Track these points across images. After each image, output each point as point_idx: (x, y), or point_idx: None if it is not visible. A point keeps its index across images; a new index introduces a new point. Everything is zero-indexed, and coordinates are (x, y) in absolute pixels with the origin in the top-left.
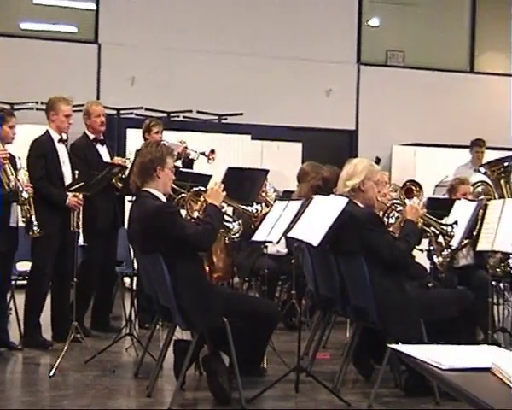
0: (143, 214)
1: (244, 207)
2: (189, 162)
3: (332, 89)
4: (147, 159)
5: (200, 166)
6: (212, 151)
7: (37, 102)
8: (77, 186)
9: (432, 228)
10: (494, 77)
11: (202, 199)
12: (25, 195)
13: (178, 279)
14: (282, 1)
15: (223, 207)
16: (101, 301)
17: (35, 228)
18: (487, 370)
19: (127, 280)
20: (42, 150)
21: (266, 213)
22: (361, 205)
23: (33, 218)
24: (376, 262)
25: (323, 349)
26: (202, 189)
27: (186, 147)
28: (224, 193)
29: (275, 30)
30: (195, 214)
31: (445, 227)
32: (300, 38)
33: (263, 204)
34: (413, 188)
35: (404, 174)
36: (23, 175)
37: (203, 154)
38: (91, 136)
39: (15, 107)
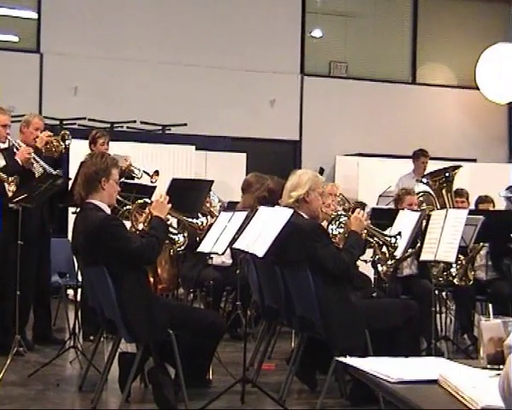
0: (88, 227)
1: (189, 219)
2: (130, 177)
3: (276, 99)
4: (91, 170)
5: (143, 178)
6: (157, 172)
7: None
8: (20, 198)
9: (376, 239)
10: (435, 88)
11: (147, 211)
12: None
13: (123, 292)
14: (227, 11)
15: (168, 219)
16: (40, 313)
17: None
18: (435, 382)
19: (71, 292)
20: None
21: (211, 225)
22: (306, 216)
23: None
24: (321, 273)
25: (269, 360)
26: (147, 201)
27: (130, 164)
28: (169, 205)
29: (219, 40)
30: (140, 226)
31: (388, 238)
32: (245, 49)
33: (208, 216)
34: (358, 208)
35: (348, 184)
36: None
37: (147, 173)
38: None
39: None
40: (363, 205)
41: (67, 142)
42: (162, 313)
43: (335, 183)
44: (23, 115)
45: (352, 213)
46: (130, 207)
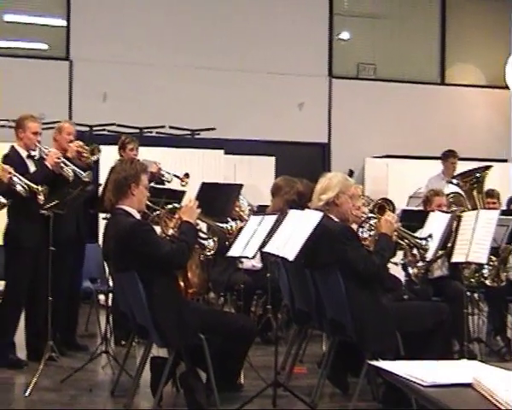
0: (118, 233)
1: (219, 224)
2: (160, 181)
3: (304, 102)
4: (121, 176)
5: (174, 182)
6: (186, 175)
7: (8, 120)
8: (51, 204)
9: (406, 241)
10: (464, 88)
11: (177, 216)
12: (3, 200)
13: (154, 297)
14: (255, 15)
15: (197, 224)
16: (68, 319)
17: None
18: (469, 385)
19: (102, 297)
20: (10, 164)
21: (241, 228)
22: (335, 219)
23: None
24: (352, 276)
25: (300, 363)
26: (177, 206)
27: (160, 168)
28: (199, 210)
29: (247, 44)
30: (170, 232)
31: (419, 240)
32: (273, 52)
33: (237, 220)
34: (385, 205)
35: (378, 186)
36: None
37: (177, 176)
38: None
39: None
40: (387, 201)
41: (96, 156)
42: (193, 318)
43: (358, 184)
44: (53, 122)
45: (378, 209)
46: (159, 212)
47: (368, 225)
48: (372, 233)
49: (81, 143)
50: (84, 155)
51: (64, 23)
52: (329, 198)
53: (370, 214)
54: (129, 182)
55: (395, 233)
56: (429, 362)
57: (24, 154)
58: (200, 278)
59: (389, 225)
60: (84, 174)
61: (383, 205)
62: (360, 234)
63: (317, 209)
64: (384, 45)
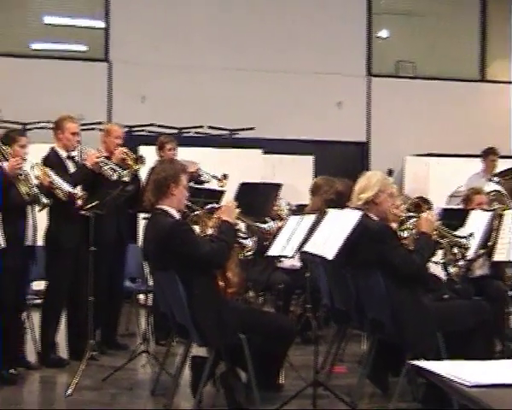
0: (158, 232)
1: (258, 224)
2: (199, 181)
3: (343, 101)
4: (161, 176)
5: (212, 182)
6: (225, 176)
7: (49, 122)
8: (91, 205)
9: (446, 239)
10: (505, 85)
11: (216, 216)
12: (44, 200)
13: (194, 296)
14: (292, 15)
15: (236, 224)
16: (109, 319)
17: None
18: None
19: (142, 297)
20: (49, 165)
21: (280, 228)
22: (375, 218)
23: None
24: (392, 275)
25: (340, 363)
26: (216, 206)
27: (199, 168)
28: (238, 210)
29: (285, 44)
30: (209, 231)
31: (459, 239)
32: (311, 52)
33: (276, 220)
34: (421, 204)
35: (418, 185)
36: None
37: (215, 177)
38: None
39: (28, 127)
40: (424, 199)
41: (139, 166)
42: (233, 317)
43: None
44: (92, 123)
45: (415, 207)
46: (199, 212)
47: (407, 224)
48: (412, 232)
49: (127, 149)
50: (129, 162)
51: (103, 25)
52: (369, 197)
53: (409, 213)
54: (168, 182)
55: (435, 232)
56: (472, 362)
57: (63, 154)
58: (240, 278)
59: (429, 223)
60: (123, 173)
61: (419, 203)
62: (400, 233)
63: (356, 208)
64: (423, 43)
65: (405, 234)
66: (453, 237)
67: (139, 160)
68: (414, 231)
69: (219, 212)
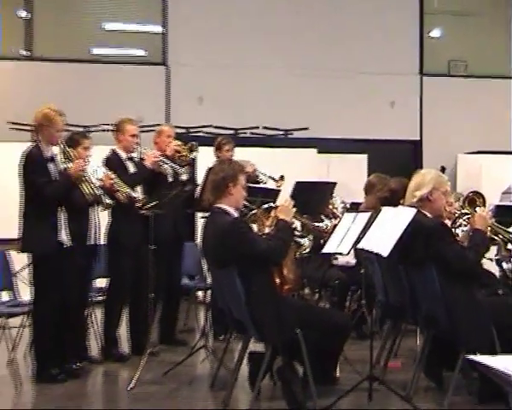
0: (217, 230)
1: (314, 223)
2: (256, 181)
3: (396, 100)
4: (219, 176)
5: (269, 182)
6: (282, 177)
7: (109, 124)
8: (151, 205)
9: (500, 236)
10: None
11: (273, 215)
12: (108, 201)
13: (252, 293)
14: (345, 16)
15: (293, 223)
16: (168, 315)
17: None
18: None
19: (200, 294)
20: (110, 166)
21: (335, 226)
22: (429, 215)
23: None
24: (446, 271)
25: (395, 358)
26: (272, 205)
27: (255, 169)
28: (295, 209)
29: (338, 45)
30: (267, 230)
31: None
32: (364, 52)
33: (332, 219)
34: (476, 199)
35: (470, 182)
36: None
37: (272, 178)
38: (123, 154)
39: (90, 129)
40: (479, 195)
41: (194, 153)
42: (290, 313)
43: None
44: (151, 125)
45: (469, 202)
46: (256, 211)
47: (461, 220)
48: (466, 229)
49: (179, 142)
50: (183, 153)
51: (161, 30)
52: (423, 194)
53: (464, 210)
54: (227, 182)
55: (489, 228)
56: None
57: (124, 156)
58: (295, 275)
59: (483, 220)
60: (181, 170)
61: (474, 198)
62: (454, 230)
63: (410, 206)
64: (475, 42)
65: (459, 231)
66: (507, 233)
67: (192, 148)
68: (468, 227)
69: (276, 211)
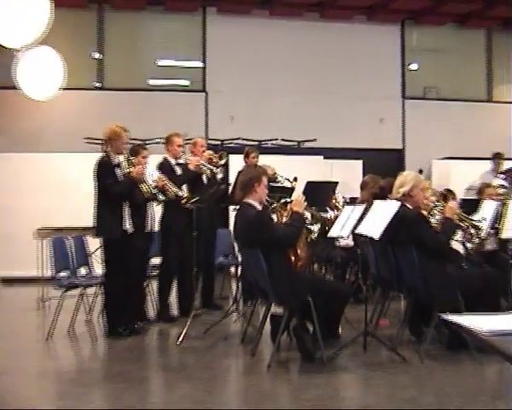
0: (245, 220)
1: (321, 213)
2: (275, 182)
3: (384, 118)
4: (247, 177)
5: (285, 182)
6: (295, 179)
7: (161, 138)
8: (193, 200)
9: (465, 223)
10: (507, 104)
11: (289, 208)
12: (161, 197)
13: (273, 268)
14: (343, 53)
15: (304, 214)
16: (207, 285)
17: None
18: None
19: (232, 269)
20: (163, 170)
21: (337, 216)
22: (410, 207)
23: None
24: (423, 251)
25: (384, 317)
26: (288, 200)
27: (275, 172)
28: (306, 203)
29: (338, 75)
30: (284, 219)
31: (475, 222)
32: (359, 80)
33: (335, 211)
34: (448, 194)
35: (442, 181)
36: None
37: (288, 180)
38: (172, 160)
39: (147, 142)
40: (450, 192)
41: (224, 160)
42: (302, 284)
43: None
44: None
45: (443, 199)
46: (275, 205)
47: (435, 210)
48: (438, 217)
49: (211, 151)
50: (214, 160)
51: (201, 64)
52: (405, 191)
53: (437, 203)
54: (253, 182)
55: (456, 217)
56: (486, 315)
57: (173, 162)
58: (307, 254)
59: (452, 210)
60: (217, 170)
61: (446, 194)
62: (429, 218)
63: (396, 199)
64: (444, 73)
65: (433, 220)
66: (470, 220)
67: (222, 155)
68: (440, 216)
69: (291, 204)
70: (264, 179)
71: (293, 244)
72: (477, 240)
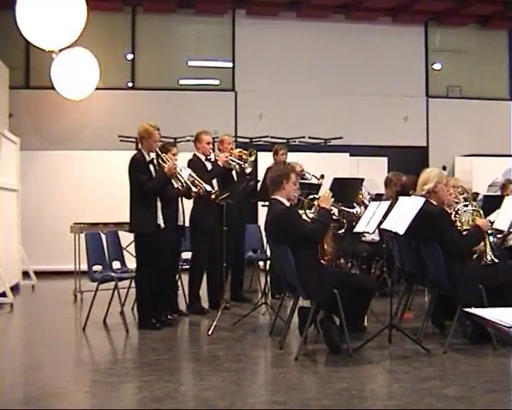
0: (273, 216)
1: (347, 209)
2: (302, 178)
3: (408, 116)
4: (276, 174)
5: (313, 179)
6: (322, 176)
7: (192, 136)
8: (223, 196)
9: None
10: None
11: (316, 203)
12: (194, 189)
13: (300, 262)
14: (369, 53)
15: (331, 210)
16: (236, 279)
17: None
18: None
19: (261, 263)
20: (193, 166)
21: (363, 212)
22: (435, 203)
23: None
24: (442, 246)
25: (408, 311)
26: (316, 196)
27: (303, 169)
28: (333, 199)
29: (365, 74)
30: (311, 215)
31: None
32: (384, 79)
33: (361, 207)
34: (475, 197)
35: (464, 178)
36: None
37: (315, 177)
38: (202, 157)
39: (178, 140)
40: (476, 194)
41: (253, 157)
42: (329, 278)
43: (457, 177)
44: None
45: (473, 199)
46: (303, 200)
47: (459, 206)
48: (466, 218)
49: (240, 149)
50: (244, 157)
51: (231, 65)
52: (430, 188)
53: (466, 202)
54: (282, 179)
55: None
56: (509, 309)
57: (203, 158)
58: (333, 249)
59: (485, 225)
60: (246, 165)
61: (475, 197)
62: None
63: (420, 196)
64: (467, 72)
65: (461, 219)
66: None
67: (251, 153)
68: (469, 217)
69: (319, 201)
70: (293, 176)
71: (320, 239)
72: (500, 236)
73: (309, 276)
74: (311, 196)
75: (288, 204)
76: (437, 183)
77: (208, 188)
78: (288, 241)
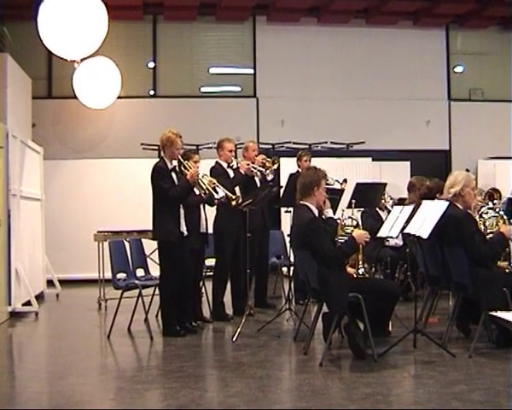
0: (299, 222)
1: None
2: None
3: (430, 119)
4: (307, 180)
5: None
6: (345, 180)
7: (214, 143)
8: (246, 203)
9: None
10: None
11: (350, 231)
12: (216, 196)
13: (323, 268)
14: (391, 58)
15: (360, 245)
16: (260, 285)
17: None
18: None
19: (285, 269)
20: (215, 173)
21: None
22: (461, 207)
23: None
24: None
25: (433, 315)
26: (353, 226)
27: (325, 174)
28: (368, 239)
29: (387, 79)
30: (340, 238)
31: None
32: (406, 83)
33: (384, 211)
34: (494, 193)
35: (488, 181)
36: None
37: (338, 181)
38: (224, 164)
39: (200, 147)
40: (495, 190)
41: (276, 165)
42: (353, 283)
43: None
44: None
45: (489, 197)
46: (341, 224)
47: (483, 209)
48: (490, 223)
49: (264, 156)
50: (267, 164)
51: (252, 71)
52: (456, 191)
53: (489, 204)
54: (313, 185)
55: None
56: None
57: (225, 165)
58: (356, 254)
59: (508, 231)
60: (267, 172)
61: (492, 193)
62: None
63: (446, 200)
64: (489, 75)
65: (486, 216)
66: None
67: (275, 160)
68: (493, 221)
69: (354, 232)
70: (323, 183)
71: (334, 266)
72: None
73: (332, 281)
74: (348, 224)
75: (316, 212)
76: (464, 186)
77: (229, 194)
78: (310, 248)
